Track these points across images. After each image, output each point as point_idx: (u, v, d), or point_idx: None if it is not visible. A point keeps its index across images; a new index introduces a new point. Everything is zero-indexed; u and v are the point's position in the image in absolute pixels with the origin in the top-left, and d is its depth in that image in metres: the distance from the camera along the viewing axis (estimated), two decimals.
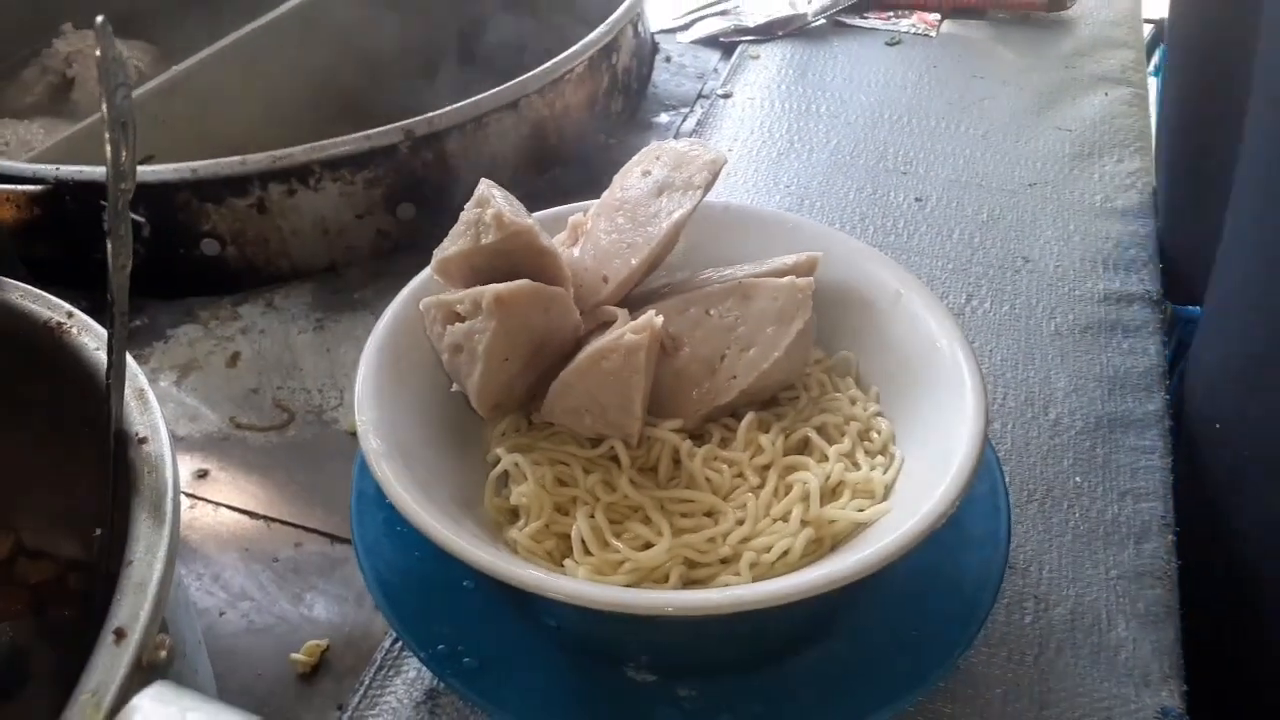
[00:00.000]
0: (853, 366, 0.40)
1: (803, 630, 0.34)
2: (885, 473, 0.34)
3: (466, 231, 0.35)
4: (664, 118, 0.68)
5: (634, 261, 0.38)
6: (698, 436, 0.36)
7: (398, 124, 0.53)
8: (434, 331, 0.35)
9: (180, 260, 0.53)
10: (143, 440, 0.28)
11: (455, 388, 0.36)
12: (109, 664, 0.22)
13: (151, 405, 0.29)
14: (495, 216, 0.34)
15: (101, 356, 0.30)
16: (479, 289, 0.34)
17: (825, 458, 0.35)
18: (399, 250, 0.56)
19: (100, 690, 0.22)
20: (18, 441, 0.33)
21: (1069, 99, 0.69)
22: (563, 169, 0.61)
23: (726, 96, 0.69)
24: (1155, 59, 0.86)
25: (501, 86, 0.56)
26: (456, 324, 0.34)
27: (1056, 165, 0.62)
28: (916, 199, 0.59)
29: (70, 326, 0.30)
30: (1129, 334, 0.50)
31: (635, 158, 0.41)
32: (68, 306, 0.31)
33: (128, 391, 0.29)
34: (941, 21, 0.78)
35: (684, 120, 0.68)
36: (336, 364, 0.50)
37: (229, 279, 0.54)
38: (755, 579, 0.31)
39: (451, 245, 0.35)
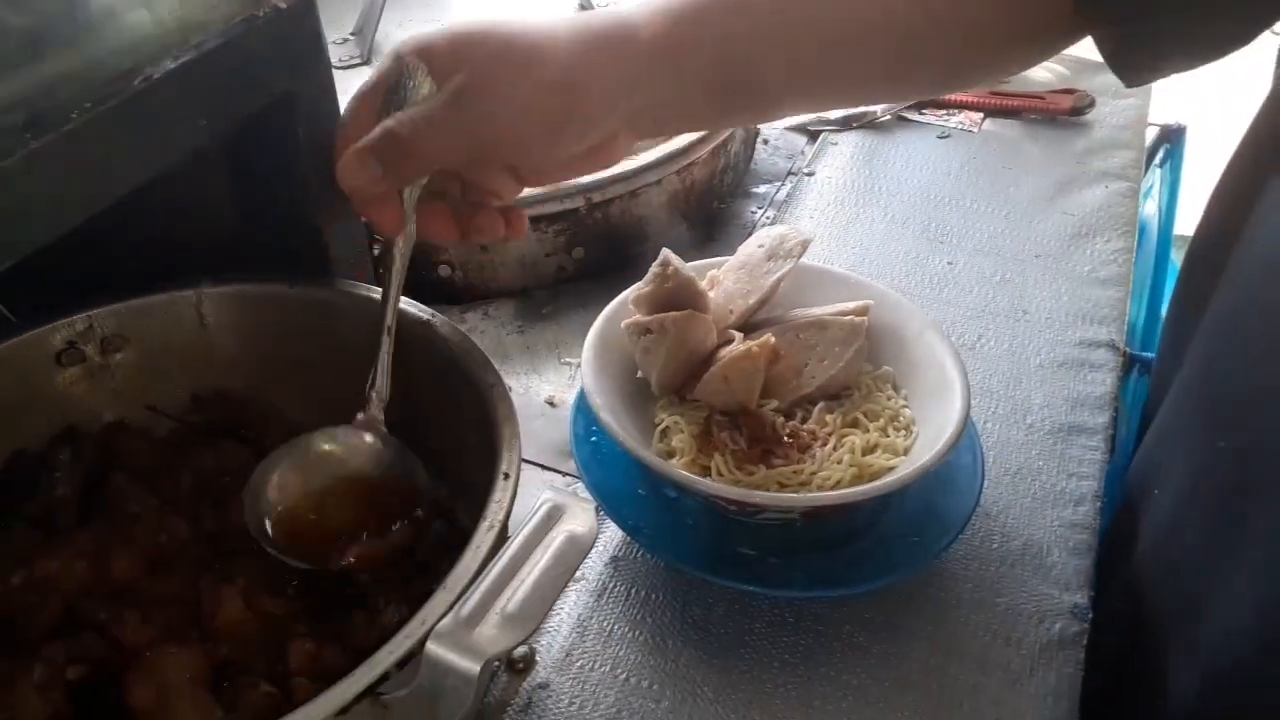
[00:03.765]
0: (890, 377, 0.60)
1: (845, 532, 0.55)
2: (906, 439, 0.55)
3: (654, 279, 0.57)
4: (761, 189, 0.90)
5: (751, 301, 0.59)
6: (788, 414, 0.58)
7: (580, 191, 0.75)
8: (631, 339, 0.57)
9: (423, 280, 0.76)
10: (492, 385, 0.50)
11: (639, 374, 0.58)
12: (500, 497, 0.44)
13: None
14: (675, 271, 0.56)
15: (447, 345, 0.52)
16: (662, 315, 0.55)
17: (868, 429, 0.56)
18: (573, 280, 0.78)
19: (492, 515, 0.44)
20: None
21: (1076, 189, 0.89)
22: (689, 227, 0.83)
23: (810, 174, 0.91)
24: (1159, 155, 1.05)
25: (650, 163, 0.78)
26: (647, 335, 0.56)
27: (1058, 241, 0.82)
28: (949, 262, 0.80)
29: (436, 323, 0.53)
30: (1093, 369, 0.70)
31: (753, 236, 0.63)
32: (429, 311, 0.54)
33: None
34: (984, 120, 0.98)
35: (777, 191, 0.90)
36: (534, 357, 0.72)
37: (456, 294, 0.77)
38: None
39: (645, 287, 0.57)
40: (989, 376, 0.70)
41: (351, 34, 0.92)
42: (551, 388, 0.69)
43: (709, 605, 0.54)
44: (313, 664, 0.46)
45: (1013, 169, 0.91)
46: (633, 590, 0.55)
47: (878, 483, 0.50)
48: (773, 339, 0.56)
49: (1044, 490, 0.62)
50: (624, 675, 0.51)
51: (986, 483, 0.58)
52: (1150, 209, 1.11)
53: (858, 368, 0.58)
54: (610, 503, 0.55)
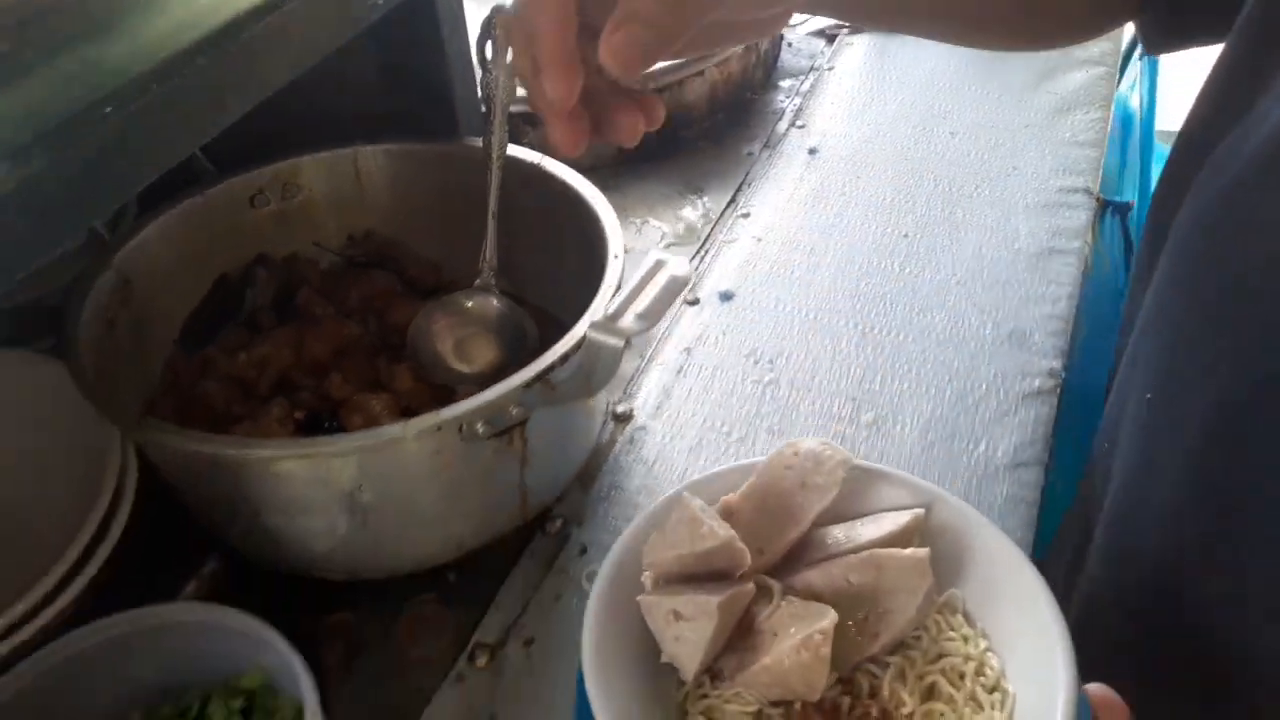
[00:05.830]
0: (960, 602, 0.45)
1: None
2: (1002, 711, 0.41)
3: (683, 538, 0.43)
4: (787, 82, 1.04)
5: (786, 540, 0.46)
6: (849, 685, 0.43)
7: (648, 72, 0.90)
8: (657, 624, 0.43)
9: None
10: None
11: (664, 658, 0.43)
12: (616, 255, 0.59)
13: None
14: (710, 530, 0.43)
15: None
16: (704, 599, 0.42)
17: (953, 698, 0.41)
18: (629, 162, 0.93)
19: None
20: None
21: (1060, 73, 1.02)
22: (724, 114, 0.98)
23: (830, 69, 1.05)
24: (1139, 48, 1.19)
25: (692, 59, 0.93)
26: (681, 622, 0.42)
27: (1044, 114, 0.96)
28: (950, 133, 0.94)
29: (545, 164, 0.68)
30: (1071, 209, 0.84)
31: (775, 454, 0.48)
32: (538, 154, 0.68)
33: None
34: None
35: (802, 84, 1.04)
36: None
37: None
38: None
39: (668, 550, 0.44)
40: (984, 216, 0.84)
41: None
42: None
43: (771, 367, 0.69)
44: None
45: (1005, 58, 1.05)
46: (703, 368, 0.70)
47: None
48: (830, 623, 0.42)
49: (1028, 294, 0.76)
50: (700, 419, 0.66)
51: (980, 287, 0.72)
52: (1134, 101, 1.25)
53: (928, 610, 0.44)
54: None
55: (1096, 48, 1.06)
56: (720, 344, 0.72)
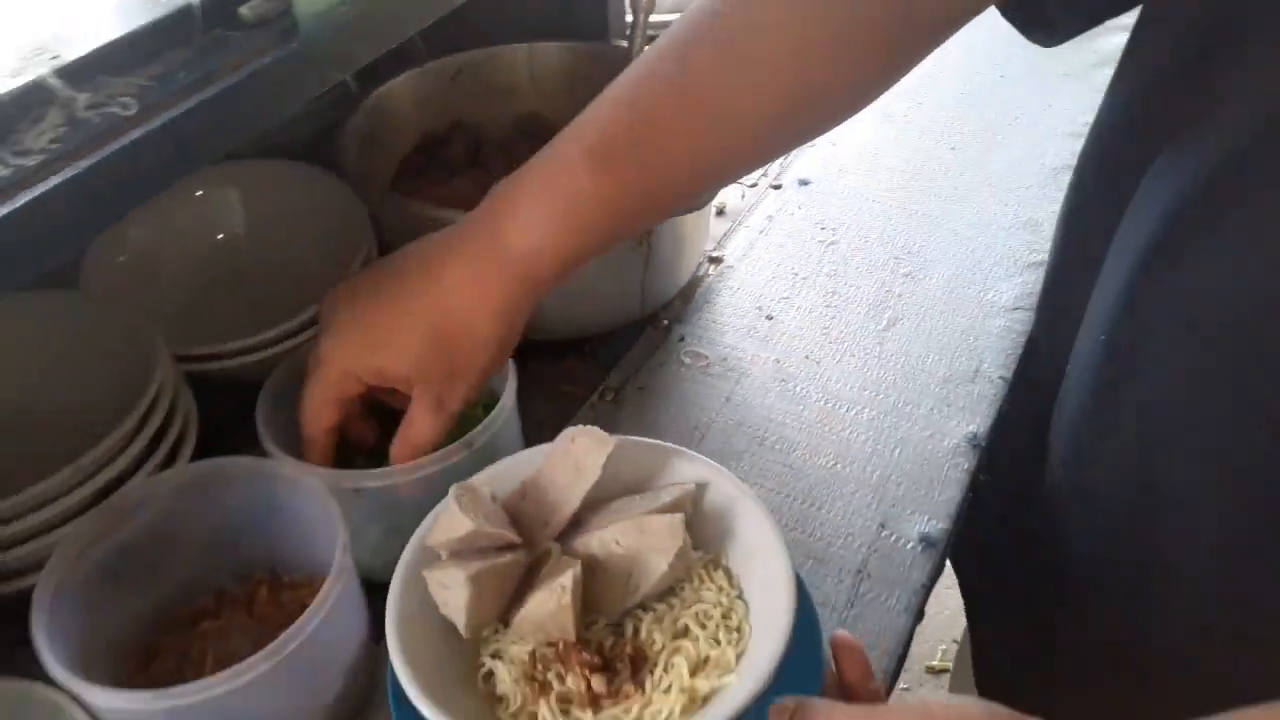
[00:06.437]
0: (723, 560, 0.53)
1: None
2: (736, 647, 0.49)
3: (445, 526, 0.50)
4: None
5: (562, 516, 0.53)
6: (619, 628, 0.51)
7: None
8: (434, 593, 0.50)
9: None
10: None
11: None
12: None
13: None
14: (461, 522, 0.49)
15: None
16: (458, 572, 0.49)
17: (697, 638, 0.49)
18: None
19: None
20: None
21: (1103, 35, 1.20)
22: None
23: None
24: None
25: None
26: (446, 590, 0.49)
27: (1084, 66, 1.14)
28: (1001, 76, 1.13)
29: None
30: None
31: (555, 443, 0.54)
32: None
33: None
34: None
35: None
36: None
37: None
38: None
39: (442, 534, 0.51)
40: (1018, 139, 1.03)
41: None
42: None
43: (834, 234, 0.90)
44: None
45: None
46: (781, 230, 0.91)
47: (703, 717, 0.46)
48: (574, 573, 0.49)
49: (1044, 195, 0.95)
50: (775, 263, 0.88)
51: (1006, 189, 0.92)
52: None
53: (684, 566, 0.51)
54: None
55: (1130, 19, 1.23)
56: (795, 216, 0.93)
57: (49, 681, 0.50)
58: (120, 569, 0.57)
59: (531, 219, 0.54)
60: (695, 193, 0.63)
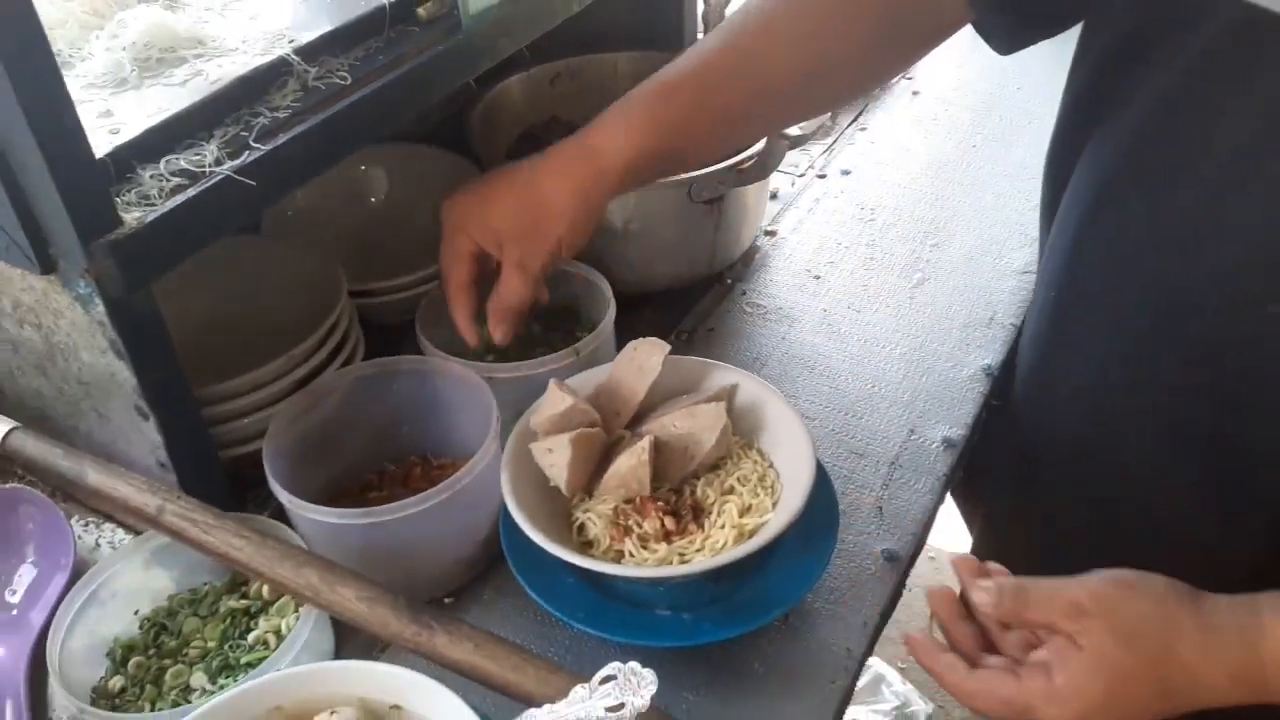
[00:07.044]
0: (756, 442, 0.70)
1: (731, 583, 0.65)
2: (771, 498, 0.65)
3: (547, 406, 0.67)
4: None
5: (631, 406, 0.69)
6: (679, 491, 0.67)
7: None
8: (540, 459, 0.66)
9: None
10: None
11: (551, 483, 0.66)
12: None
13: None
14: (562, 398, 0.66)
15: None
16: (560, 437, 0.64)
17: (741, 494, 0.66)
18: None
19: None
20: None
21: None
22: None
23: None
24: None
25: None
26: (550, 454, 0.65)
27: None
28: (1017, 88, 1.29)
29: None
30: None
31: (622, 352, 0.71)
32: None
33: None
34: None
35: None
36: None
37: None
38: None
39: (542, 415, 0.66)
40: (1037, 140, 1.18)
41: None
42: None
43: (872, 214, 1.06)
44: None
45: None
46: (826, 210, 1.08)
47: (751, 542, 0.61)
48: (650, 439, 0.65)
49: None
50: (822, 236, 1.04)
51: (1022, 181, 1.07)
52: None
53: (727, 443, 0.67)
54: (544, 594, 0.64)
55: None
56: (839, 199, 1.10)
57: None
58: (314, 444, 0.74)
59: (611, 129, 0.72)
60: (737, 131, 0.80)
